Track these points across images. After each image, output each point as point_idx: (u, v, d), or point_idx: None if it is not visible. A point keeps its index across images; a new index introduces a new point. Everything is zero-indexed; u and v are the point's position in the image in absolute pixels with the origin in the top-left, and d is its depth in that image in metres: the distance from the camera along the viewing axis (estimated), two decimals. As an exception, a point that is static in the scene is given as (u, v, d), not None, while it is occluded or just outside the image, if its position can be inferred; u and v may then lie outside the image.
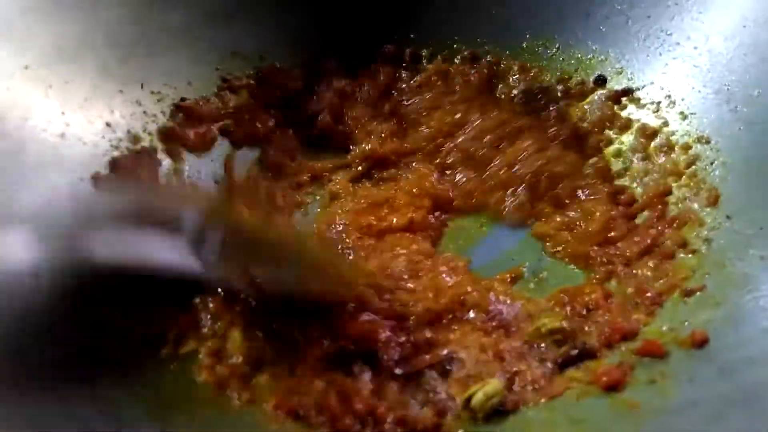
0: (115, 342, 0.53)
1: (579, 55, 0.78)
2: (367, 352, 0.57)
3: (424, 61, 0.83)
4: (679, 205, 0.66)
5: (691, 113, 0.70)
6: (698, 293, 0.58)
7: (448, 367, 0.57)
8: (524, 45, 0.80)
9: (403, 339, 0.58)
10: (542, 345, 0.58)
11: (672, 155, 0.69)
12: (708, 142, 0.67)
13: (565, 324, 0.59)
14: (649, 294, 0.61)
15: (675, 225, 0.65)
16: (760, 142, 0.63)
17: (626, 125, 0.73)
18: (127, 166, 0.64)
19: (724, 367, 0.51)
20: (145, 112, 0.68)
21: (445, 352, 0.58)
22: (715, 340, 0.54)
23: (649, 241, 0.65)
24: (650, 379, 0.53)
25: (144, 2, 0.70)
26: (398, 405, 0.54)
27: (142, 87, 0.69)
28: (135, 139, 0.66)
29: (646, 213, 0.68)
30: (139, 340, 0.55)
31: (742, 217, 0.61)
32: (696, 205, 0.65)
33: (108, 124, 0.65)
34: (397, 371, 0.56)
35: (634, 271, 0.64)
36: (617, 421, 0.51)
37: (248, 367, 0.56)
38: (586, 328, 0.59)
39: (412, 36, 0.83)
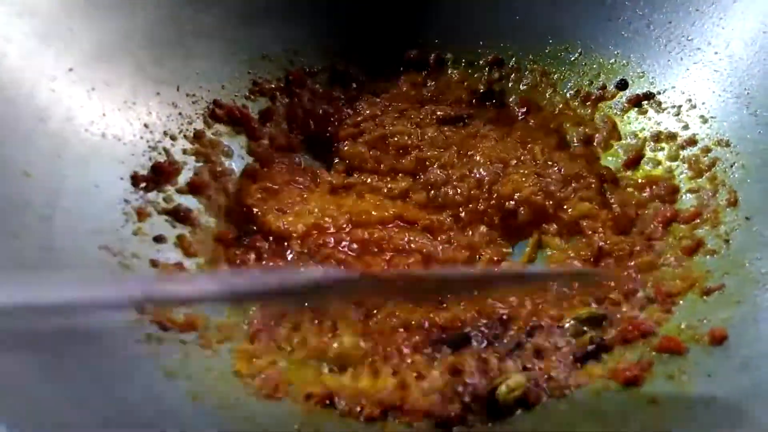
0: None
1: (601, 60, 0.79)
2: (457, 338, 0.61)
3: (447, 65, 0.85)
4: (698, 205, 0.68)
5: (712, 117, 0.71)
6: (717, 292, 0.60)
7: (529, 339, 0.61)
8: (547, 50, 0.82)
9: (486, 320, 0.62)
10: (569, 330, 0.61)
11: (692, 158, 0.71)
12: (728, 145, 0.68)
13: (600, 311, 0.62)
14: (666, 292, 0.62)
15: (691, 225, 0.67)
16: (779, 146, 0.64)
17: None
18: (168, 170, 0.67)
19: (743, 363, 0.53)
20: (180, 114, 0.71)
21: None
22: (735, 337, 0.55)
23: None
24: (669, 374, 0.54)
25: (177, 5, 0.72)
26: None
27: (178, 89, 0.71)
28: (172, 139, 0.69)
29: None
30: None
31: (760, 217, 0.63)
32: (715, 206, 0.66)
33: (146, 125, 0.68)
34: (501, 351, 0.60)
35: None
36: (637, 415, 0.53)
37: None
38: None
39: (436, 41, 0.85)
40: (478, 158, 0.76)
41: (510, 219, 0.72)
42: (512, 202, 0.72)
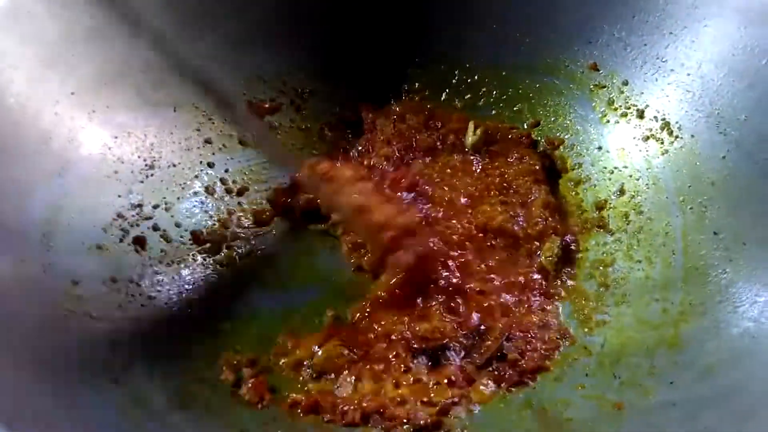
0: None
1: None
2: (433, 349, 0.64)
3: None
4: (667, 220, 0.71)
5: (684, 135, 0.73)
6: (682, 303, 0.63)
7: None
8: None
9: (465, 331, 0.65)
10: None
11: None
12: (698, 162, 0.71)
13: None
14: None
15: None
16: (746, 163, 0.67)
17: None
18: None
19: (702, 371, 0.56)
20: (176, 134, 0.75)
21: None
22: (697, 346, 0.58)
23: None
24: (636, 381, 0.58)
25: (174, 32, 0.75)
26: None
27: (174, 110, 0.75)
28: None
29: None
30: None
31: (727, 232, 0.65)
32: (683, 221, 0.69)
33: (142, 144, 0.71)
34: (477, 362, 0.63)
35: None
36: (602, 419, 0.56)
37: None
38: None
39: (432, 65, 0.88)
40: (453, 194, 0.78)
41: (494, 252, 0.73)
42: (491, 234, 0.74)
